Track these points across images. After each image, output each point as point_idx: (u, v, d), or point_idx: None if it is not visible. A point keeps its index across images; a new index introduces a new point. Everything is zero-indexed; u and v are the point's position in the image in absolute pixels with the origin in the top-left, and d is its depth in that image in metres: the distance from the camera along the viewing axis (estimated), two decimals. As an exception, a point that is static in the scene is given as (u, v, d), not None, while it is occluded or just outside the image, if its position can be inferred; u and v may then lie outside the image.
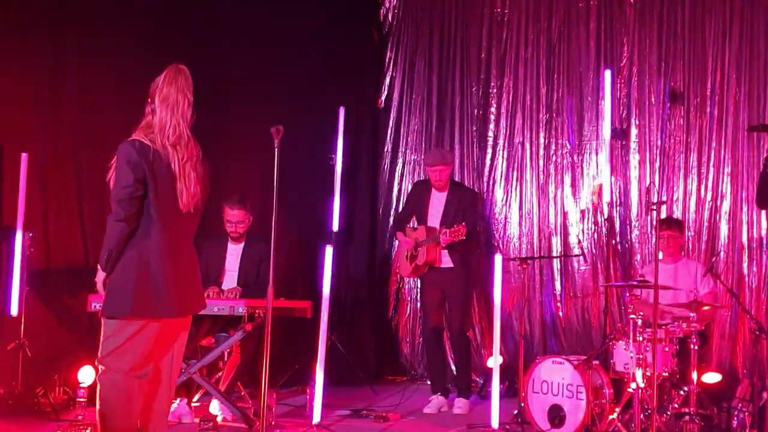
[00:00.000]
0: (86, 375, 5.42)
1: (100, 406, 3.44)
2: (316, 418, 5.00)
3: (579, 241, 6.85)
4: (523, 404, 5.07)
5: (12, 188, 5.56)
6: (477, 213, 6.16)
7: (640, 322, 4.72)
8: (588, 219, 6.84)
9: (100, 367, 3.47)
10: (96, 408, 3.44)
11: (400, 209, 6.86)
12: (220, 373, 5.48)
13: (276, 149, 3.64)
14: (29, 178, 5.54)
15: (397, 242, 7.74)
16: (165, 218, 3.43)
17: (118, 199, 3.37)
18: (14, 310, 5.55)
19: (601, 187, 6.66)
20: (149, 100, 3.51)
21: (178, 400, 5.24)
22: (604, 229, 6.67)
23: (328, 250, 5.07)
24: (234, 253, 5.64)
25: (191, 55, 6.39)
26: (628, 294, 4.97)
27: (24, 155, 5.52)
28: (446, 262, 5.87)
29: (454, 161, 5.99)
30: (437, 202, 5.94)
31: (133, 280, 3.38)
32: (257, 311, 4.85)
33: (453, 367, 6.78)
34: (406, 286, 7.71)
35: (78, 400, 5.22)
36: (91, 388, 4.99)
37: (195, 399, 5.44)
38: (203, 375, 5.11)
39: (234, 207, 5.51)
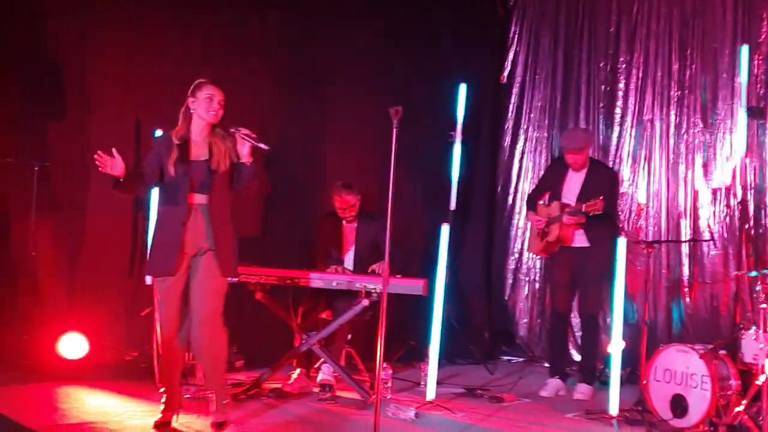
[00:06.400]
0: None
1: None
2: (430, 394, 5.05)
3: (709, 225, 6.54)
4: (643, 391, 4.94)
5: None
6: (615, 193, 5.93)
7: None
8: (720, 202, 6.51)
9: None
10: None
11: (533, 186, 6.63)
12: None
13: (394, 130, 3.65)
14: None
15: (516, 220, 7.72)
16: None
17: None
18: (149, 279, 5.85)
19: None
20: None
21: (298, 370, 5.42)
22: (736, 212, 6.35)
23: (445, 228, 5.08)
24: (349, 231, 5.74)
25: (303, 31, 6.65)
26: (760, 282, 4.72)
27: (159, 131, 5.78)
28: (580, 241, 5.68)
29: (592, 142, 5.76)
30: (575, 180, 5.74)
31: None
32: (374, 287, 4.94)
33: (573, 351, 6.69)
34: (524, 267, 7.63)
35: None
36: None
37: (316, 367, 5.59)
38: (322, 346, 5.24)
39: (342, 193, 5.61)
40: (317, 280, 5.14)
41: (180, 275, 4.12)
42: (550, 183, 5.98)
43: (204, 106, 4.12)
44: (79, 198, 5.89)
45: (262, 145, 4.09)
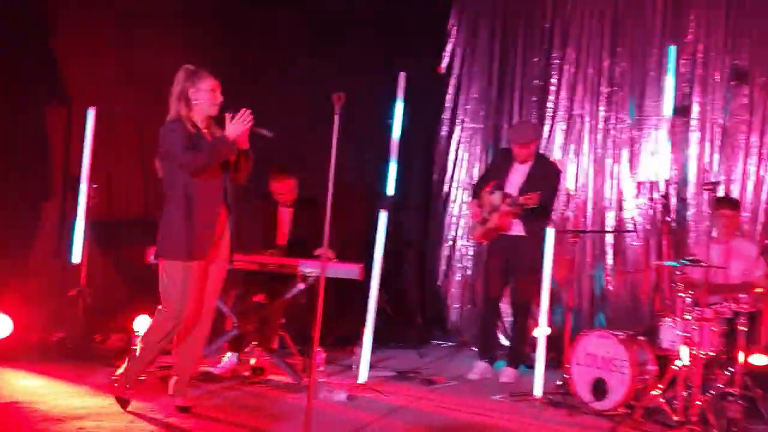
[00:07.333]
0: (142, 324, 5.63)
1: None
2: (363, 377, 5.13)
3: (632, 217, 6.81)
4: (566, 375, 5.11)
5: (79, 141, 5.77)
6: (555, 188, 6.07)
7: (688, 300, 4.68)
8: (644, 195, 6.78)
9: None
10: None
11: (480, 175, 6.75)
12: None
13: (336, 116, 3.69)
14: (96, 131, 5.75)
15: (451, 209, 7.85)
16: None
17: None
18: (76, 258, 5.78)
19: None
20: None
21: (230, 353, 5.42)
22: (659, 205, 6.61)
23: (382, 215, 5.14)
24: (286, 215, 5.76)
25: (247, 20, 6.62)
26: (678, 272, 4.92)
27: (92, 110, 5.70)
28: (517, 230, 5.83)
29: (540, 136, 5.96)
30: (520, 171, 5.88)
31: None
32: (310, 271, 4.98)
33: (502, 336, 6.85)
34: (457, 254, 7.77)
35: (132, 348, 5.43)
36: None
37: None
38: (254, 330, 5.25)
39: (279, 178, 5.63)
40: (252, 263, 5.15)
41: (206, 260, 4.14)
42: (496, 172, 6.10)
43: (209, 98, 4.11)
44: (8, 176, 5.76)
45: (264, 132, 4.07)
